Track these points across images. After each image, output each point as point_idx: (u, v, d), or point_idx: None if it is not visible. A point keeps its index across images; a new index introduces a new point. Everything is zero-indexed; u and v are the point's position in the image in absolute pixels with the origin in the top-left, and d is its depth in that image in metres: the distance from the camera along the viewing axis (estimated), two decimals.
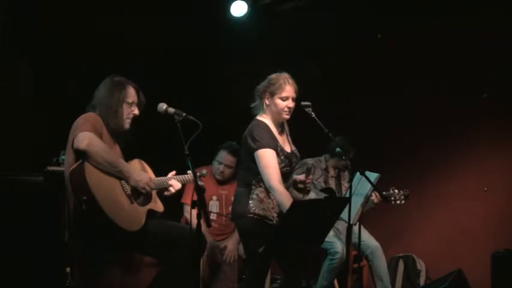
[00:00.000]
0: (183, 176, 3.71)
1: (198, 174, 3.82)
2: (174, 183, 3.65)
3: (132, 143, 3.63)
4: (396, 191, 4.79)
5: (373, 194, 4.62)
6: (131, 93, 3.56)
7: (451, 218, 5.46)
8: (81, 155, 3.26)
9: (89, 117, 3.43)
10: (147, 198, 3.56)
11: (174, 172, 3.72)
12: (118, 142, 3.59)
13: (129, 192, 3.45)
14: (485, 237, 5.20)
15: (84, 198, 3.21)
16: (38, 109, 4.63)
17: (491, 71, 5.23)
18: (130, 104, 3.55)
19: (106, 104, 3.49)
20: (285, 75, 3.67)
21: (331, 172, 5.12)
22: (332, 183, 5.08)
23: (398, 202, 4.79)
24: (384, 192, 4.75)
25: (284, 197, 3.47)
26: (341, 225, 4.79)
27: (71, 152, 3.35)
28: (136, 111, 3.58)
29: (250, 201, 3.57)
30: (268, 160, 3.53)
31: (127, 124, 3.56)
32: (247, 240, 3.66)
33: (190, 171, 3.48)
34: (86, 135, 3.26)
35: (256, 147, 3.54)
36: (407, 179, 5.49)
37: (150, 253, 3.61)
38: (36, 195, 4.17)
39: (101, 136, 3.38)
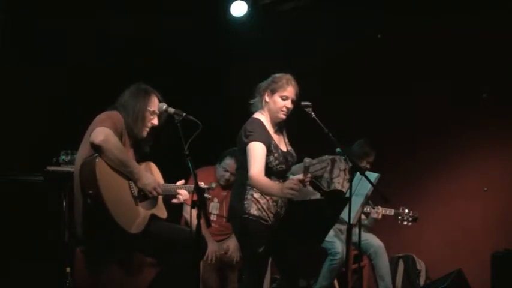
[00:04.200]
0: (191, 186, 3.68)
1: (206, 186, 3.83)
2: (183, 192, 3.67)
3: (146, 153, 3.65)
4: (406, 211, 4.75)
5: (377, 211, 4.59)
6: (155, 103, 3.56)
7: (451, 218, 5.46)
8: (96, 149, 3.28)
9: (112, 115, 3.43)
10: (153, 202, 3.56)
11: (183, 181, 3.74)
12: (134, 148, 3.58)
13: (135, 193, 3.45)
14: (485, 237, 5.20)
15: (90, 191, 3.22)
16: (38, 109, 4.63)
17: (491, 71, 5.23)
18: (152, 113, 3.55)
19: (130, 109, 3.49)
20: (289, 76, 3.67)
21: (348, 175, 5.00)
22: (345, 187, 4.98)
23: (405, 223, 4.75)
24: (394, 211, 4.73)
25: (264, 183, 3.44)
26: (342, 226, 4.79)
27: (86, 144, 3.36)
28: (155, 121, 3.58)
29: (245, 202, 3.53)
30: (256, 152, 3.48)
31: (145, 132, 3.56)
32: (243, 241, 3.65)
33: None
34: (104, 131, 3.28)
35: (247, 141, 3.51)
36: (407, 179, 5.50)
37: (150, 254, 3.61)
38: (36, 195, 4.17)
39: (120, 136, 3.38)
